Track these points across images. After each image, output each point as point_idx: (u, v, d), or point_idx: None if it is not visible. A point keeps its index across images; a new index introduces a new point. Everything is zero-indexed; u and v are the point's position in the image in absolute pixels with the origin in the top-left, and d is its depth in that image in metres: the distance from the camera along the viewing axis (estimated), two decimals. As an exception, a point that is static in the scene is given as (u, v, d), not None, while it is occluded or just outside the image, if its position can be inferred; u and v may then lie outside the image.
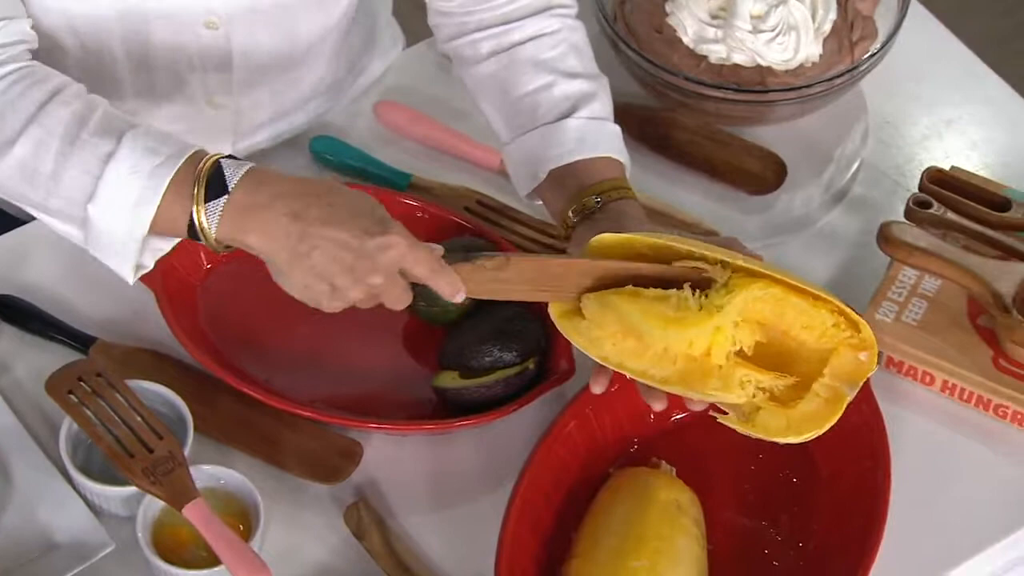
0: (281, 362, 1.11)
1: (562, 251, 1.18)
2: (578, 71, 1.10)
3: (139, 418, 1.02)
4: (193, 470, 1.01)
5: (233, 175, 0.94)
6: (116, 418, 1.02)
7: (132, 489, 1.02)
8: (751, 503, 1.07)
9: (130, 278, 0.99)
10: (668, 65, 1.22)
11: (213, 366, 1.08)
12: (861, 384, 0.96)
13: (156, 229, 0.96)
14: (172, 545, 1.01)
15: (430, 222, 1.17)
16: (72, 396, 1.03)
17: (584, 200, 1.05)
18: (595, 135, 1.08)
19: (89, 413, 1.02)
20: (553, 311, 1.00)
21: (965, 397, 1.11)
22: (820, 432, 0.95)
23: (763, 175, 1.24)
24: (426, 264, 0.94)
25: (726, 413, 0.96)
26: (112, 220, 0.96)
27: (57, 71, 1.00)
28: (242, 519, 1.03)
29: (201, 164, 0.95)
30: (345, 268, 0.93)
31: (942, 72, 1.32)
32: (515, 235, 1.20)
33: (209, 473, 1.03)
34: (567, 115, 1.08)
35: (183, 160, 0.95)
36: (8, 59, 0.99)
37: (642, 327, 0.95)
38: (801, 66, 1.24)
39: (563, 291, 0.99)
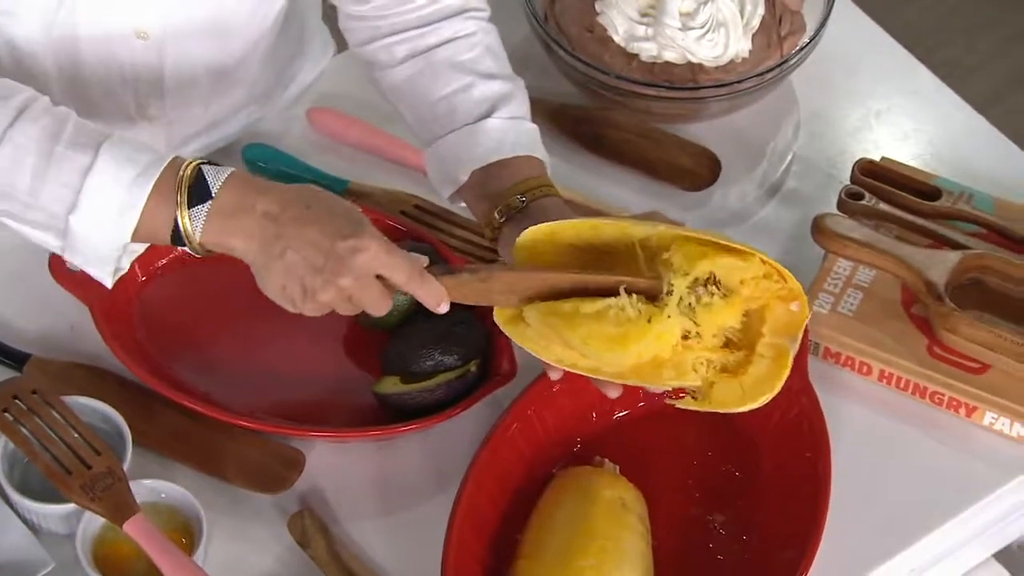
0: (221, 372, 1.11)
1: (495, 251, 1.18)
2: (495, 72, 1.10)
3: (76, 434, 1.01)
4: (133, 485, 1.00)
5: (215, 180, 0.95)
6: (53, 435, 1.01)
7: (71, 506, 1.01)
8: (695, 498, 1.07)
9: (109, 282, 0.99)
10: (600, 64, 1.23)
11: (151, 379, 1.07)
12: (801, 335, 0.96)
13: (138, 237, 0.96)
14: (114, 561, 1.00)
15: (367, 227, 1.17)
16: (7, 415, 1.02)
17: (509, 200, 1.05)
18: (515, 134, 1.08)
19: (25, 431, 1.01)
20: (499, 317, 1.00)
21: (902, 385, 1.13)
22: (774, 394, 0.96)
23: (697, 171, 1.25)
24: (403, 272, 0.95)
25: (683, 397, 0.97)
26: (94, 229, 0.96)
27: (21, 84, 0.99)
28: (185, 533, 1.02)
29: (182, 170, 0.95)
30: (315, 268, 0.93)
31: (871, 65, 1.33)
32: (453, 238, 1.20)
33: (149, 487, 1.02)
34: (486, 116, 1.08)
35: (163, 167, 0.95)
36: None
37: (587, 352, 0.96)
38: (731, 62, 1.25)
39: (541, 295, 0.98)
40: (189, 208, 0.94)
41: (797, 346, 0.97)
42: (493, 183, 1.06)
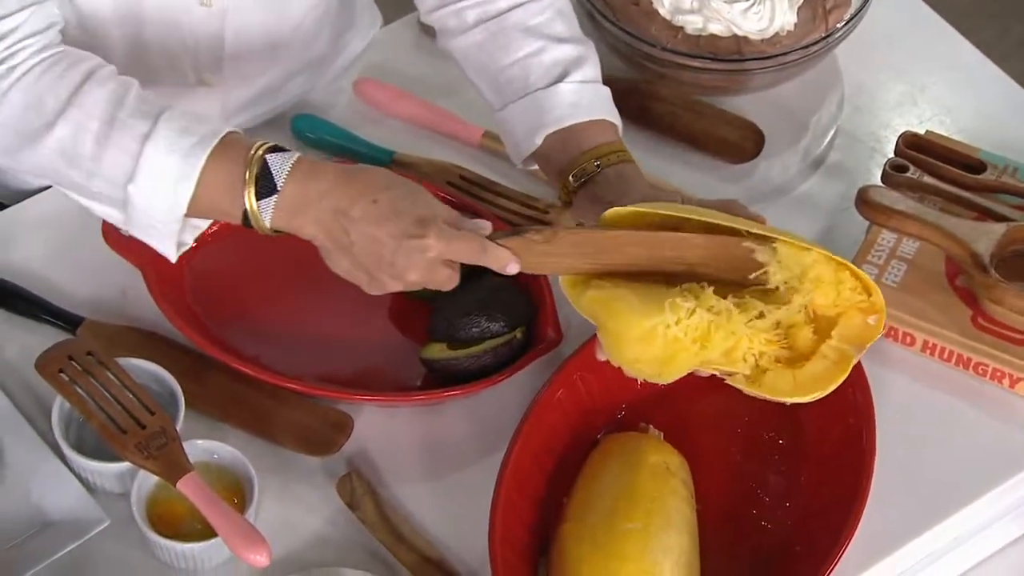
0: (270, 338, 1.12)
1: (547, 223, 1.19)
2: (566, 36, 1.11)
3: (130, 395, 1.03)
4: (186, 445, 1.02)
5: (280, 171, 0.97)
6: (107, 395, 1.03)
7: (126, 465, 1.02)
8: (739, 465, 1.08)
9: (173, 256, 1.01)
10: (646, 36, 1.23)
11: (202, 342, 1.08)
12: (868, 346, 0.98)
13: (198, 210, 0.99)
14: (167, 519, 1.02)
15: (414, 197, 1.18)
16: (63, 375, 1.03)
17: (584, 165, 1.06)
18: (589, 98, 1.09)
19: (80, 391, 1.03)
20: (564, 282, 1.01)
21: (945, 356, 1.13)
22: (825, 392, 0.98)
23: (741, 144, 1.26)
24: (468, 252, 0.97)
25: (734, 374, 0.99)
26: (152, 199, 0.98)
27: (88, 53, 1.01)
28: (236, 493, 1.04)
29: (250, 154, 0.96)
30: (383, 264, 0.97)
31: (915, 39, 1.34)
32: (498, 208, 1.21)
33: (202, 448, 1.04)
34: (559, 80, 1.09)
35: (218, 139, 0.97)
36: (43, 46, 1.00)
37: (634, 372, 0.99)
38: (776, 35, 1.25)
39: (611, 262, 0.99)
40: (257, 200, 0.97)
41: (860, 355, 0.98)
42: (567, 148, 1.07)
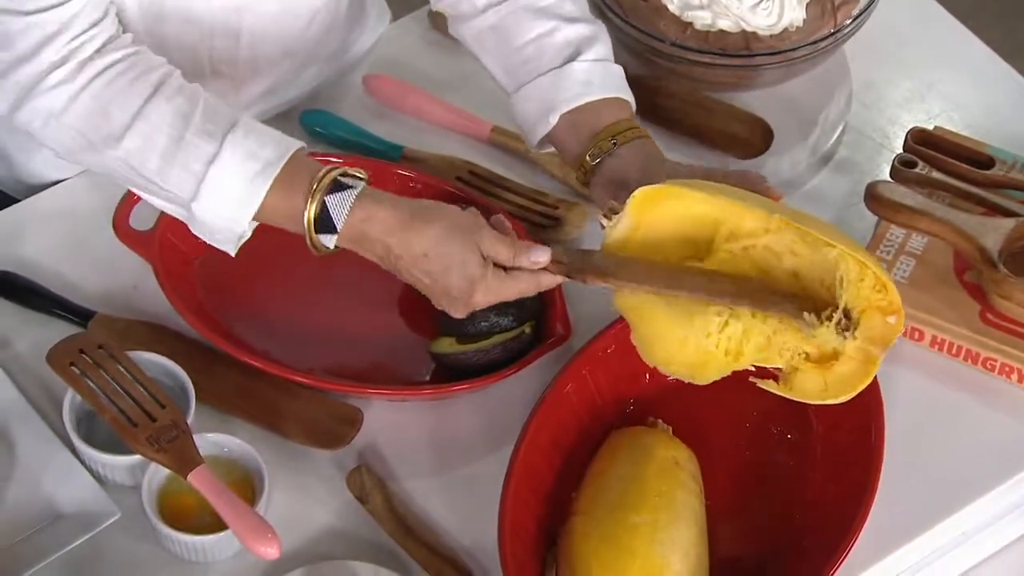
0: (280, 332, 1.13)
1: (555, 219, 1.19)
2: (576, 15, 1.11)
3: (141, 388, 1.03)
4: (197, 438, 1.02)
5: (339, 213, 0.99)
6: (118, 389, 1.03)
7: (136, 458, 1.03)
8: (747, 459, 1.09)
9: (232, 252, 1.04)
10: (655, 32, 1.24)
11: (213, 337, 1.09)
12: (891, 346, 0.98)
13: (260, 222, 1.02)
14: (178, 512, 1.02)
15: (423, 192, 1.18)
16: (74, 368, 1.04)
17: (600, 143, 1.06)
18: (601, 76, 1.09)
19: (91, 384, 1.03)
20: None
21: (954, 351, 1.13)
22: (854, 394, 0.99)
23: (750, 140, 1.26)
24: (519, 291, 1.02)
25: (764, 379, 1.00)
26: (214, 217, 1.01)
27: (159, 59, 1.02)
28: (246, 486, 1.04)
29: (312, 187, 0.99)
30: (436, 299, 1.03)
31: (923, 35, 1.34)
32: (507, 203, 1.21)
33: (212, 441, 1.04)
34: (571, 59, 1.09)
35: (280, 167, 1.00)
36: (108, 38, 1.00)
37: (667, 372, 1.02)
38: (785, 31, 1.25)
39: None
40: (316, 233, 1.00)
41: (885, 355, 0.99)
42: (582, 126, 1.08)
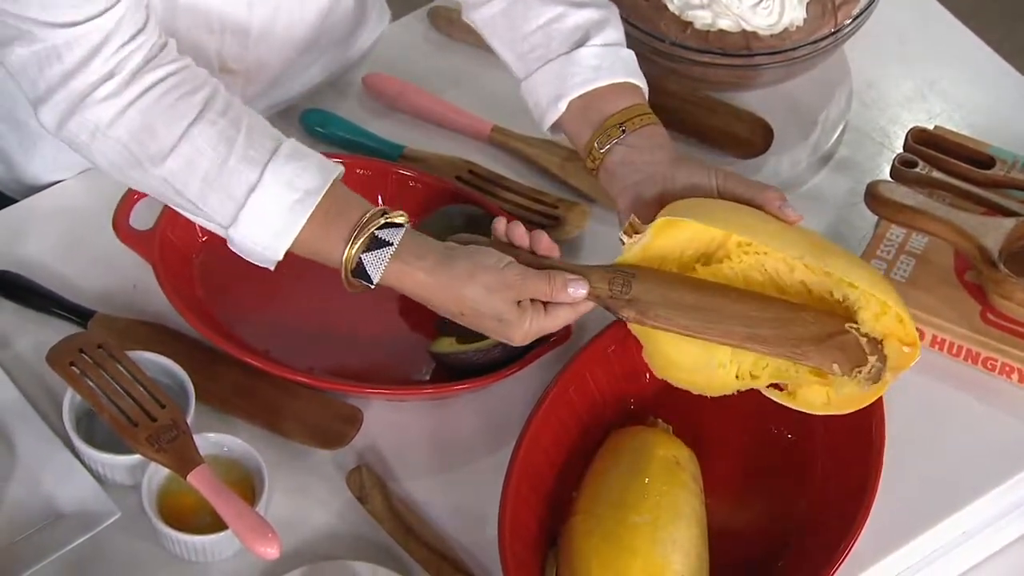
0: (280, 332, 1.13)
1: (555, 219, 1.19)
2: (586, 1, 1.11)
3: (141, 388, 1.03)
4: (197, 438, 1.02)
5: (375, 270, 1.00)
6: (118, 388, 1.03)
7: (136, 458, 1.03)
8: (747, 459, 1.08)
9: (271, 267, 1.04)
10: (655, 31, 1.24)
11: (213, 336, 1.08)
12: (902, 374, 1.00)
13: (294, 250, 1.02)
14: (177, 512, 1.02)
15: (423, 191, 1.18)
16: (74, 368, 1.04)
17: (608, 131, 1.06)
18: (611, 61, 1.09)
19: (92, 384, 1.03)
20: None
21: (954, 351, 1.13)
22: (857, 409, 1.01)
23: (751, 139, 1.26)
24: (559, 326, 1.02)
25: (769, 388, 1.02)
26: (252, 243, 1.01)
27: (204, 73, 1.02)
28: (246, 486, 1.04)
29: (350, 238, 1.00)
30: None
31: (924, 34, 1.34)
32: (507, 203, 1.21)
33: (212, 441, 1.04)
34: (580, 44, 1.09)
35: (320, 198, 1.00)
36: (152, 47, 0.99)
37: (678, 382, 1.05)
38: (786, 30, 1.25)
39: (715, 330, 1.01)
40: (353, 277, 1.01)
41: (895, 379, 1.01)
42: (592, 113, 1.07)
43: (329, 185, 1.01)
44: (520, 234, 1.04)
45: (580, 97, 1.08)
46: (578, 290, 1.00)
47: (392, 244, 1.00)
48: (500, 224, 1.04)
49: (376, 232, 1.00)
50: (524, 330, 1.01)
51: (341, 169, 1.03)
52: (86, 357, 1.04)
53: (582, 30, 1.09)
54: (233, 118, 1.01)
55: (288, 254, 1.03)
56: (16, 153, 1.22)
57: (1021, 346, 1.11)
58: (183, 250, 1.14)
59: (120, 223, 1.14)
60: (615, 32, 1.11)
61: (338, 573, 1.01)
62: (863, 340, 0.99)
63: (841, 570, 0.99)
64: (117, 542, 1.03)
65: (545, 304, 1.01)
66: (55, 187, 1.21)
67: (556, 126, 1.11)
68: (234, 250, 1.03)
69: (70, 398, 1.05)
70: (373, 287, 1.02)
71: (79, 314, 1.13)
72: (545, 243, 1.03)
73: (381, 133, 1.24)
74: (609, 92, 1.08)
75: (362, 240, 1.00)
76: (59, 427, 1.06)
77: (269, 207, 1.00)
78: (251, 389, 1.09)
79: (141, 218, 1.14)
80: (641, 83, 1.10)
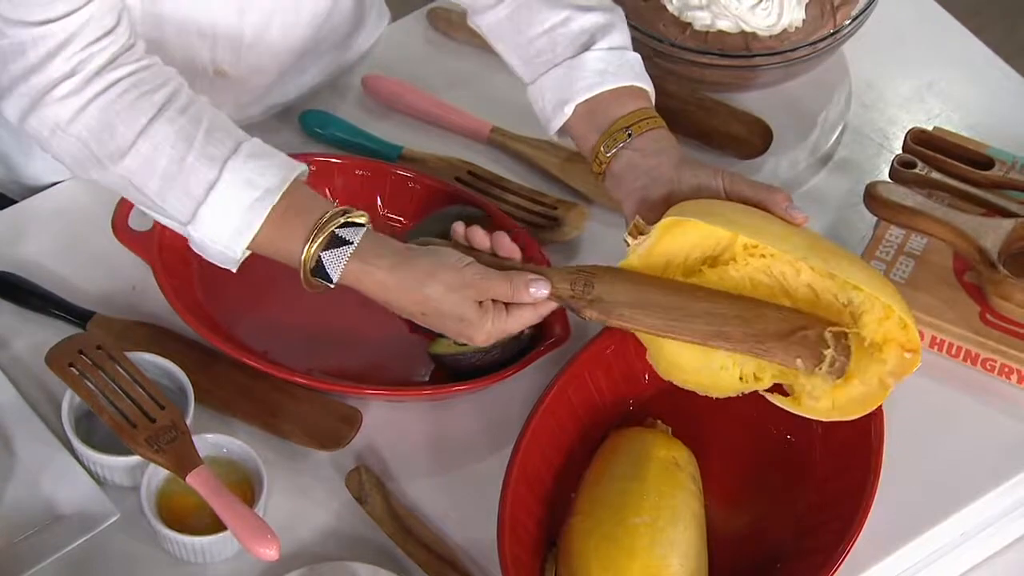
0: (279, 332, 1.12)
1: (554, 220, 1.19)
2: (591, 4, 1.11)
3: (140, 389, 1.03)
4: (196, 439, 1.02)
5: (334, 269, 1.00)
6: (117, 389, 1.03)
7: (135, 459, 1.03)
8: (746, 460, 1.08)
9: (233, 269, 1.04)
10: (654, 32, 1.24)
11: (212, 337, 1.08)
12: (905, 378, 1.00)
13: (254, 251, 1.02)
14: (177, 513, 1.02)
15: (422, 192, 1.18)
16: (73, 369, 1.04)
17: (614, 135, 1.06)
18: (616, 65, 1.09)
19: (90, 385, 1.03)
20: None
21: (953, 352, 1.13)
22: (860, 415, 1.01)
23: (750, 140, 1.26)
24: (522, 326, 1.02)
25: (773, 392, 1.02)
26: (210, 242, 1.01)
27: (170, 71, 1.02)
28: (245, 487, 1.04)
29: (309, 236, 0.99)
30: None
31: (923, 35, 1.34)
32: (506, 204, 1.21)
33: (211, 442, 1.04)
34: (585, 48, 1.09)
35: (278, 197, 1.00)
36: (117, 50, 1.00)
37: (681, 383, 1.05)
38: (785, 31, 1.25)
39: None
40: (313, 277, 1.01)
41: (897, 384, 1.01)
42: (598, 117, 1.08)
43: (289, 184, 1.00)
44: (480, 236, 1.03)
45: (586, 101, 1.08)
46: (540, 290, 1.00)
47: (352, 243, 0.99)
48: (459, 226, 1.04)
49: (336, 231, 1.00)
50: (486, 330, 1.00)
51: (304, 168, 1.02)
52: (85, 358, 1.04)
53: (587, 34, 1.09)
54: (194, 116, 1.01)
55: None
56: (15, 154, 1.22)
57: (1020, 347, 1.11)
58: (182, 251, 1.14)
59: (119, 224, 1.14)
60: (621, 36, 1.11)
61: (337, 574, 1.01)
62: (828, 335, 0.98)
63: (840, 571, 0.99)
64: (116, 543, 1.03)
65: (507, 305, 1.01)
66: (54, 188, 1.21)
67: (562, 130, 1.11)
68: (196, 250, 1.03)
69: (69, 399, 1.05)
70: (333, 286, 1.01)
71: (78, 315, 1.12)
72: (507, 245, 1.03)
73: (380, 134, 1.25)
74: (615, 96, 1.08)
75: (322, 238, 0.99)
76: (58, 428, 1.06)
77: (228, 205, 0.99)
78: (250, 390, 1.09)
79: (141, 219, 1.13)
80: (647, 86, 1.10)
